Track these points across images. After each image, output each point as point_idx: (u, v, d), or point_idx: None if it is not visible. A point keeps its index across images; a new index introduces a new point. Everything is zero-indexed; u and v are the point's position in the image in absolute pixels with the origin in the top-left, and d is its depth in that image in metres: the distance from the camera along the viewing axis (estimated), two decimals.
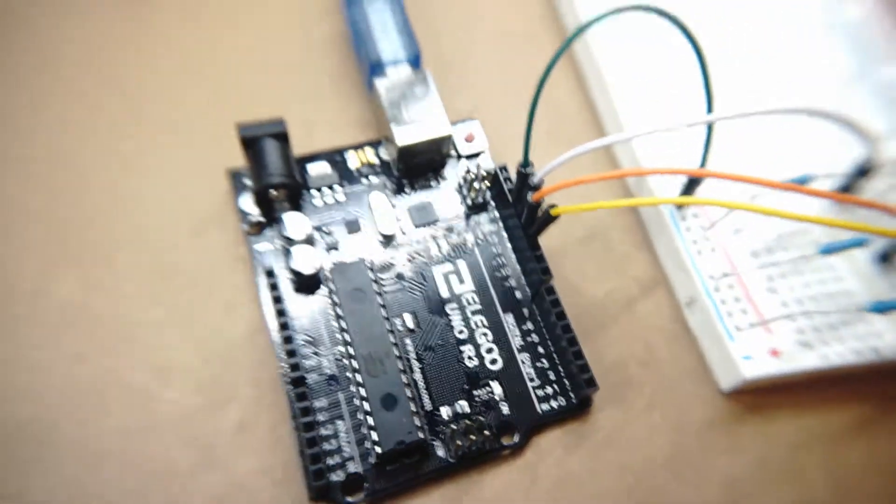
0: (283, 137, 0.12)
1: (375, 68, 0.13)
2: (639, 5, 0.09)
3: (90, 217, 0.12)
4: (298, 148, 0.13)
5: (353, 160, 0.14)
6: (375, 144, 0.14)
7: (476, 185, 0.13)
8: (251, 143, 0.12)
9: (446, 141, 0.13)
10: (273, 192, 0.12)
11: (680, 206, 0.12)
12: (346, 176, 0.13)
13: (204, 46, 0.14)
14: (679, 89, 0.13)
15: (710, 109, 0.10)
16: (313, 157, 0.13)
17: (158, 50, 0.14)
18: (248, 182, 0.13)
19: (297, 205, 0.13)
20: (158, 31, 0.14)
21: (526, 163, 0.11)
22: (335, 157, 0.14)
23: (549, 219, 0.11)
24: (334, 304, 0.11)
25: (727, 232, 0.13)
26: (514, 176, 0.13)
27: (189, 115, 0.13)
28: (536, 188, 0.11)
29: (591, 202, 0.10)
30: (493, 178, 0.13)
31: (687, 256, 0.12)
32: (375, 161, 0.14)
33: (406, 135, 0.13)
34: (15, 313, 0.11)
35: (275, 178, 0.12)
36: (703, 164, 0.11)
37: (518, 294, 0.13)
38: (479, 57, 0.16)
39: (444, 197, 0.14)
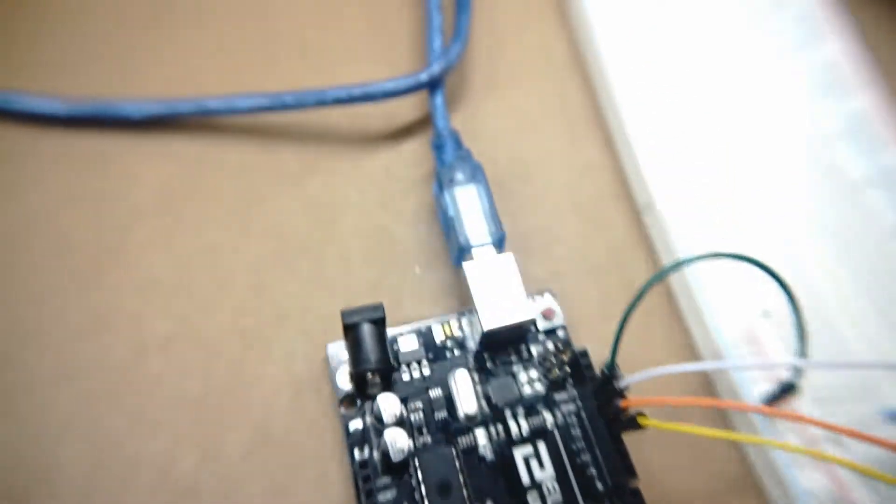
0: (381, 322, 0.13)
1: (463, 251, 0.15)
2: (736, 254, 0.10)
3: (213, 393, 0.13)
4: (389, 317, 0.15)
5: (439, 333, 0.15)
6: (458, 315, 0.15)
7: (557, 370, 0.13)
8: (352, 328, 0.13)
9: (529, 323, 0.14)
10: (368, 375, 0.13)
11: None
12: (430, 348, 0.14)
13: (310, 228, 0.16)
14: (777, 309, 0.13)
15: (802, 353, 0.11)
16: (403, 332, 0.14)
17: (274, 241, 0.16)
18: (344, 356, 0.14)
19: (388, 382, 0.13)
20: (274, 223, 0.16)
21: (612, 366, 0.11)
22: (422, 330, 0.15)
23: (635, 426, 0.11)
24: (421, 494, 0.12)
25: (830, 446, 0.12)
26: (594, 362, 0.13)
27: (295, 286, 0.15)
28: (621, 393, 0.11)
29: (685, 423, 0.10)
30: (573, 360, 0.14)
31: (783, 468, 0.12)
32: (459, 334, 0.15)
33: (491, 319, 0.14)
34: (137, 497, 0.12)
35: (371, 364, 0.13)
36: (792, 384, 0.12)
37: (599, 484, 0.13)
38: (553, 226, 0.17)
39: (524, 373, 0.14)
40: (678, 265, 0.10)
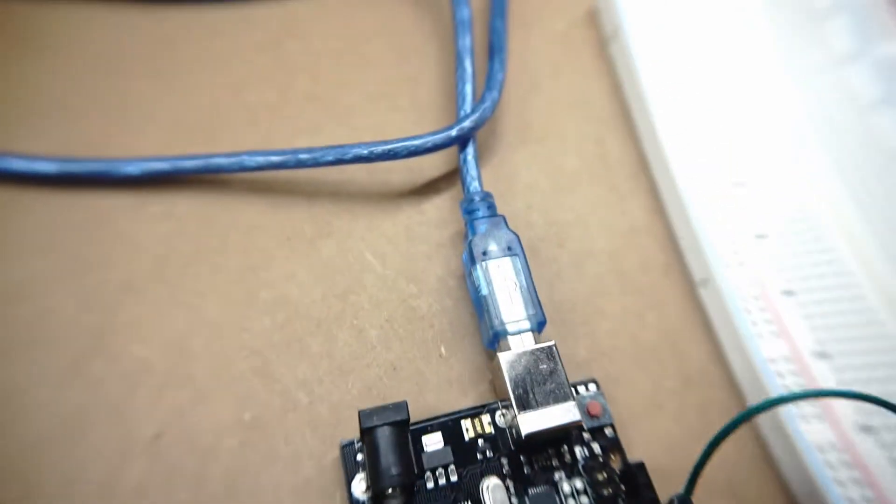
0: (404, 424, 0.11)
1: (498, 336, 0.13)
2: (842, 392, 0.08)
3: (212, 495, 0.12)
4: (410, 407, 0.13)
5: (469, 429, 0.13)
6: (491, 408, 0.13)
7: (608, 489, 0.11)
8: (370, 432, 0.11)
9: (574, 425, 0.12)
10: (388, 490, 0.11)
11: None
12: (458, 449, 0.12)
13: (323, 300, 0.14)
14: (880, 423, 0.11)
15: None
16: (427, 427, 0.13)
17: (282, 315, 0.14)
18: (359, 456, 0.12)
19: (410, 494, 0.12)
20: (282, 294, 0.14)
21: (688, 500, 0.10)
22: (448, 424, 0.13)
23: None
24: None
25: None
26: (650, 470, 0.11)
27: (305, 369, 0.13)
28: None
29: None
30: (626, 472, 0.12)
31: None
32: (491, 431, 0.13)
33: (532, 421, 0.12)
34: None
35: (394, 479, 0.11)
36: None
37: None
38: (596, 299, 0.15)
39: (567, 482, 0.12)
40: (773, 403, 0.08)
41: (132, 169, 0.14)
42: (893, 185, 0.14)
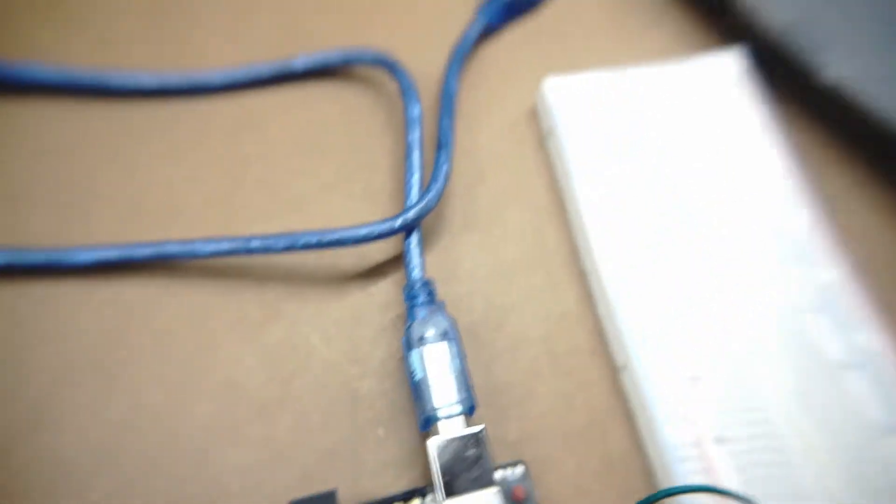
0: None
1: (429, 420, 0.13)
2: (724, 490, 0.09)
3: None
4: (346, 492, 0.13)
5: None
6: (422, 492, 0.14)
7: None
8: None
9: None
10: None
11: None
12: None
13: (267, 385, 0.15)
14: None
15: None
16: None
17: (224, 401, 0.14)
18: None
19: None
20: (226, 379, 0.15)
21: None
22: None
23: None
24: None
25: None
26: None
27: (244, 455, 0.14)
28: None
29: None
30: None
31: None
32: None
33: None
34: None
35: None
36: None
37: None
38: (529, 381, 0.16)
39: None
40: (663, 496, 0.09)
41: (84, 257, 0.14)
42: None
